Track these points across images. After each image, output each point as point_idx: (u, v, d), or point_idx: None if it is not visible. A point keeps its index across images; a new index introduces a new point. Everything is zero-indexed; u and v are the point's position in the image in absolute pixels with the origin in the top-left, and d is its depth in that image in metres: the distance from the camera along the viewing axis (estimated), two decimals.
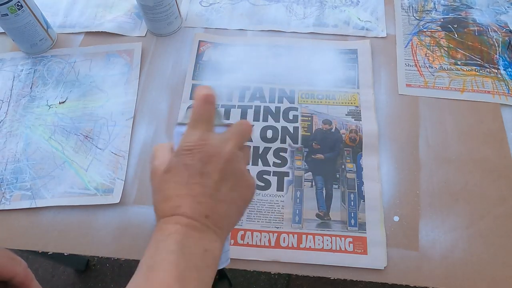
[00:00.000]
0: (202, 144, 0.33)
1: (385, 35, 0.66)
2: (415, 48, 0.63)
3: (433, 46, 0.63)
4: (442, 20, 0.67)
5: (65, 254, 0.51)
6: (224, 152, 0.33)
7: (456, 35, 0.64)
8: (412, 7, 0.68)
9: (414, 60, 0.62)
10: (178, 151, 0.33)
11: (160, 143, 0.38)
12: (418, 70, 0.61)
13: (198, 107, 0.34)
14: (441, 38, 0.64)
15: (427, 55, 0.63)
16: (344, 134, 0.57)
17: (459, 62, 0.62)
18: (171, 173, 0.33)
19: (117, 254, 0.51)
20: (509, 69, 0.61)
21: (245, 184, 0.34)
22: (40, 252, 0.52)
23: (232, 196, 0.33)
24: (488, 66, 0.61)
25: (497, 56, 0.62)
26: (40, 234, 0.53)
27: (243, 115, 0.59)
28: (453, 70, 0.61)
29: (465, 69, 0.61)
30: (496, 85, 0.59)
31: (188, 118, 0.35)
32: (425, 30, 0.65)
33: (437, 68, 0.61)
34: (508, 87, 0.59)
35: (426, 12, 0.67)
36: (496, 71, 0.61)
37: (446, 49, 0.63)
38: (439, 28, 0.66)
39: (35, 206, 0.54)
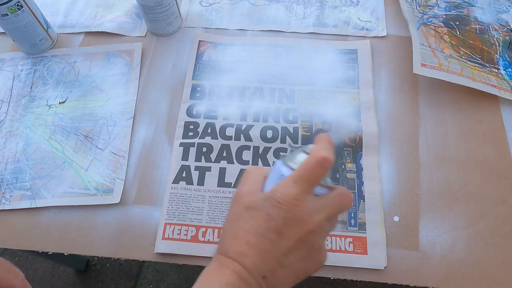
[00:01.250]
0: (294, 204, 0.31)
1: (385, 35, 0.66)
2: (425, 33, 0.63)
3: (439, 38, 0.63)
4: (444, 16, 0.66)
5: (65, 254, 0.51)
6: (311, 222, 0.31)
7: (458, 33, 0.64)
8: (415, 1, 0.68)
9: (428, 41, 0.61)
10: (268, 197, 0.31)
11: (253, 166, 0.38)
12: (432, 51, 0.60)
13: (310, 167, 0.31)
14: (444, 34, 0.64)
15: (437, 42, 0.62)
16: (344, 134, 0.57)
17: (462, 58, 0.62)
18: (252, 214, 0.31)
19: (117, 254, 0.51)
20: (509, 69, 0.61)
21: (315, 258, 0.33)
22: (40, 252, 0.52)
23: (298, 266, 0.32)
24: (488, 66, 0.61)
25: (497, 56, 0.62)
26: (40, 234, 0.53)
27: (243, 115, 0.59)
28: (461, 61, 0.61)
29: (470, 64, 0.61)
30: (499, 82, 0.59)
31: (294, 163, 0.32)
32: (429, 23, 0.65)
33: (448, 55, 0.61)
34: (511, 86, 0.59)
35: (429, 7, 0.67)
36: (496, 71, 0.61)
37: (449, 44, 0.63)
38: (441, 24, 0.65)
39: (35, 206, 0.54)
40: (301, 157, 0.32)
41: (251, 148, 0.56)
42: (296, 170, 0.32)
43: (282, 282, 0.31)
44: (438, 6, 0.67)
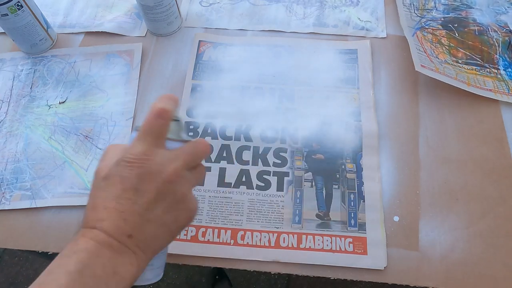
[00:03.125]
0: (144, 160, 0.31)
1: (385, 35, 0.66)
2: (420, 40, 0.63)
3: (435, 43, 0.63)
4: (442, 19, 0.67)
5: None
6: (166, 171, 0.31)
7: (457, 34, 0.64)
8: (413, 4, 0.68)
9: (423, 48, 0.62)
10: (118, 161, 0.32)
11: (113, 144, 0.37)
12: (428, 57, 0.61)
13: (149, 120, 0.32)
14: (442, 36, 0.64)
15: (432, 48, 0.62)
16: (344, 134, 0.57)
17: (460, 61, 0.62)
18: (107, 182, 0.31)
19: None
20: (509, 69, 0.61)
21: (183, 207, 0.33)
22: (40, 252, 0.52)
23: (165, 218, 0.32)
24: (488, 66, 0.61)
25: (497, 56, 0.62)
26: (40, 234, 0.53)
27: (243, 115, 0.59)
28: (456, 66, 0.61)
29: (467, 68, 0.61)
30: (496, 85, 0.59)
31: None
32: (426, 27, 0.65)
33: (442, 61, 0.61)
34: (508, 87, 0.59)
35: (427, 10, 0.67)
36: (496, 71, 0.61)
37: (447, 47, 0.63)
38: (440, 26, 0.66)
39: (35, 206, 0.54)
40: None
41: (251, 148, 0.56)
42: (139, 130, 0.32)
43: (153, 236, 0.31)
44: (436, 9, 0.68)
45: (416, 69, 0.57)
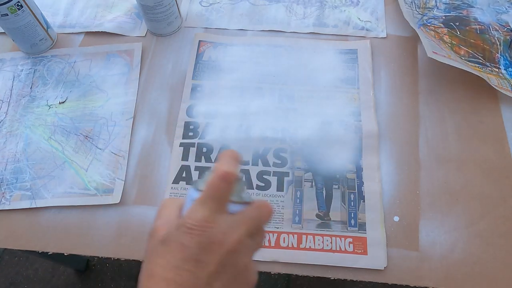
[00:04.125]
0: (205, 227, 0.29)
1: (385, 35, 0.66)
2: (426, 33, 0.63)
3: (437, 40, 0.63)
4: (444, 17, 0.66)
5: (65, 254, 0.51)
6: (229, 241, 0.29)
7: (459, 33, 0.64)
8: (415, 3, 0.68)
9: (431, 38, 0.61)
10: (179, 225, 0.29)
11: (169, 198, 0.35)
12: (438, 45, 0.60)
13: (213, 184, 0.29)
14: (444, 34, 0.64)
15: (436, 42, 0.62)
16: (344, 134, 0.57)
17: (462, 58, 0.62)
18: (165, 248, 0.29)
19: (117, 254, 0.51)
20: (510, 69, 0.61)
21: (244, 280, 0.30)
22: (40, 252, 0.52)
23: None
24: (489, 65, 0.61)
25: (499, 55, 0.62)
26: (40, 234, 0.53)
27: (243, 115, 0.59)
28: (461, 61, 0.61)
29: (470, 65, 0.61)
30: (500, 82, 0.59)
31: (204, 185, 0.30)
32: (428, 24, 0.65)
33: (448, 52, 0.61)
34: (511, 85, 0.59)
35: (428, 9, 0.67)
36: (497, 70, 0.61)
37: (449, 45, 0.63)
38: (441, 25, 0.65)
39: (35, 206, 0.54)
40: (207, 177, 0.31)
41: (251, 148, 0.56)
42: (201, 192, 0.30)
43: None
44: (438, 8, 0.67)
45: (428, 56, 0.56)
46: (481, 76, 0.57)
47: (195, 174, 0.54)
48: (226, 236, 0.29)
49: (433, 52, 0.57)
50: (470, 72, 0.60)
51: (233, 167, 0.30)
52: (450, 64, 0.57)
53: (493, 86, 0.58)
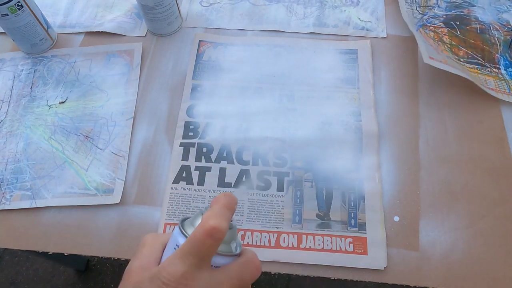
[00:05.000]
0: (182, 284, 0.26)
1: (385, 35, 0.66)
2: (424, 35, 0.63)
3: (437, 41, 0.63)
4: (444, 16, 0.66)
5: (65, 254, 0.51)
6: None
7: (459, 32, 0.64)
8: (415, 1, 0.68)
9: (429, 42, 0.62)
10: (154, 276, 0.27)
11: (151, 234, 0.32)
12: (435, 49, 0.60)
13: (197, 239, 0.26)
14: (444, 34, 0.64)
15: (434, 44, 0.62)
16: (344, 134, 0.57)
17: (461, 60, 0.62)
18: None
19: (117, 254, 0.51)
20: (510, 69, 0.61)
21: None
22: (40, 252, 0.52)
23: None
24: (489, 66, 0.61)
25: (498, 56, 0.62)
26: (40, 234, 0.53)
27: (243, 115, 0.59)
28: (459, 63, 0.61)
29: (468, 67, 0.61)
30: (498, 84, 0.59)
31: (192, 229, 0.28)
32: (428, 24, 0.65)
33: (446, 56, 0.61)
34: (509, 86, 0.59)
35: (429, 7, 0.67)
36: (496, 70, 0.61)
37: (449, 45, 0.63)
38: (442, 24, 0.65)
39: (35, 206, 0.54)
40: (198, 222, 0.28)
41: (251, 148, 0.56)
42: (183, 243, 0.27)
43: None
44: (439, 6, 0.67)
45: (424, 62, 0.56)
46: (474, 81, 0.57)
47: (195, 174, 0.54)
48: None
49: (429, 57, 0.57)
50: (469, 74, 0.60)
51: (224, 220, 0.27)
52: (446, 69, 0.57)
53: (489, 90, 0.58)
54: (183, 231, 0.28)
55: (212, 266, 0.28)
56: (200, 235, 0.26)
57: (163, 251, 0.30)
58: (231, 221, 0.29)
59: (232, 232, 0.29)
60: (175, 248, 0.28)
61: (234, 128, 0.58)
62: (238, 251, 0.29)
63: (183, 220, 0.29)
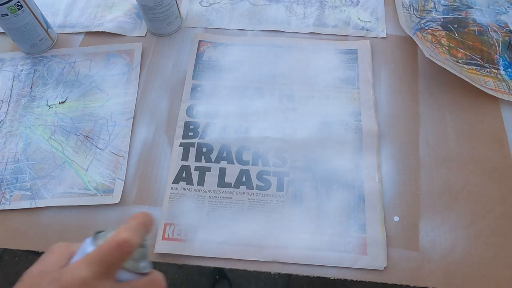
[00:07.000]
0: None
1: (385, 35, 0.66)
2: (421, 39, 0.63)
3: (435, 43, 0.63)
4: (442, 19, 0.66)
5: None
6: None
7: (457, 35, 0.64)
8: (413, 6, 0.68)
9: (426, 45, 0.62)
10: (54, 278, 0.26)
11: (60, 243, 0.31)
12: (433, 51, 0.60)
13: (106, 249, 0.27)
14: (442, 37, 0.64)
15: (432, 48, 0.62)
16: (344, 134, 0.57)
17: (460, 61, 0.62)
18: None
19: None
20: (509, 70, 0.61)
21: None
22: (40, 252, 0.52)
23: None
24: (488, 66, 0.61)
25: (497, 56, 0.62)
26: (40, 234, 0.53)
27: (243, 115, 0.59)
28: (457, 65, 0.61)
29: (467, 68, 0.61)
30: (497, 84, 0.59)
31: (104, 241, 0.28)
32: (426, 28, 0.65)
33: (444, 58, 0.61)
34: (509, 87, 0.59)
35: (427, 11, 0.67)
36: (496, 71, 0.61)
37: (447, 48, 0.63)
38: (439, 27, 0.65)
39: (35, 206, 0.54)
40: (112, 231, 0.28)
41: (251, 148, 0.56)
42: (92, 251, 0.27)
43: None
44: (436, 10, 0.68)
45: (426, 56, 0.57)
46: (472, 82, 0.57)
47: (195, 174, 0.54)
48: None
49: (429, 55, 0.58)
50: (467, 75, 0.60)
51: (136, 236, 0.28)
52: (446, 67, 0.57)
53: (489, 90, 0.58)
54: (94, 242, 0.28)
55: (116, 280, 0.28)
56: (109, 245, 0.27)
57: (70, 260, 0.29)
58: (145, 240, 0.30)
59: (143, 251, 0.29)
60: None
61: (234, 128, 0.58)
62: (146, 271, 0.29)
63: (98, 232, 0.29)
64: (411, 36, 0.61)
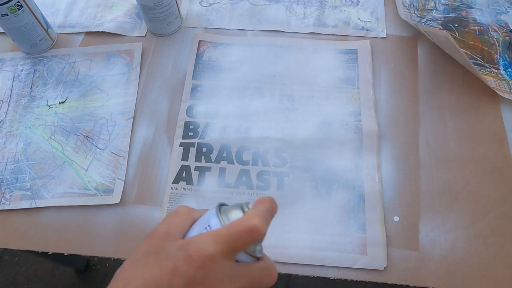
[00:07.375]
0: (206, 265, 0.27)
1: (385, 35, 0.66)
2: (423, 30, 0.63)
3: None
4: (443, 19, 0.66)
5: (65, 254, 0.51)
6: None
7: (457, 34, 0.64)
8: (413, 5, 0.68)
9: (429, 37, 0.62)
10: (182, 246, 0.28)
11: (184, 206, 0.32)
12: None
13: (237, 233, 0.28)
14: None
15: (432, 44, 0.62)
16: (344, 134, 0.57)
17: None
18: (158, 262, 0.27)
19: (117, 254, 0.51)
20: (509, 69, 0.61)
21: None
22: (40, 252, 0.52)
23: None
24: (488, 66, 0.61)
25: (498, 56, 0.62)
26: (40, 234, 0.53)
27: (243, 115, 0.59)
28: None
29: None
30: (498, 83, 0.59)
31: (227, 218, 0.29)
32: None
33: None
34: (510, 86, 0.59)
35: (427, 10, 0.67)
36: (496, 71, 0.61)
37: None
38: (440, 26, 0.65)
39: (35, 206, 0.54)
40: (235, 215, 0.29)
41: (251, 148, 0.56)
42: (222, 228, 0.28)
43: None
44: (437, 9, 0.68)
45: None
46: (476, 74, 0.57)
47: (195, 174, 0.54)
48: (220, 283, 0.27)
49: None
50: (471, 72, 0.60)
51: (266, 224, 0.29)
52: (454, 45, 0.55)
53: (491, 87, 0.58)
54: (219, 216, 0.29)
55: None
56: (241, 229, 0.28)
57: (192, 225, 0.30)
58: None
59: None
60: (206, 228, 0.29)
61: (234, 128, 0.58)
62: (260, 255, 0.31)
63: (221, 205, 0.30)
64: (415, 25, 0.60)
